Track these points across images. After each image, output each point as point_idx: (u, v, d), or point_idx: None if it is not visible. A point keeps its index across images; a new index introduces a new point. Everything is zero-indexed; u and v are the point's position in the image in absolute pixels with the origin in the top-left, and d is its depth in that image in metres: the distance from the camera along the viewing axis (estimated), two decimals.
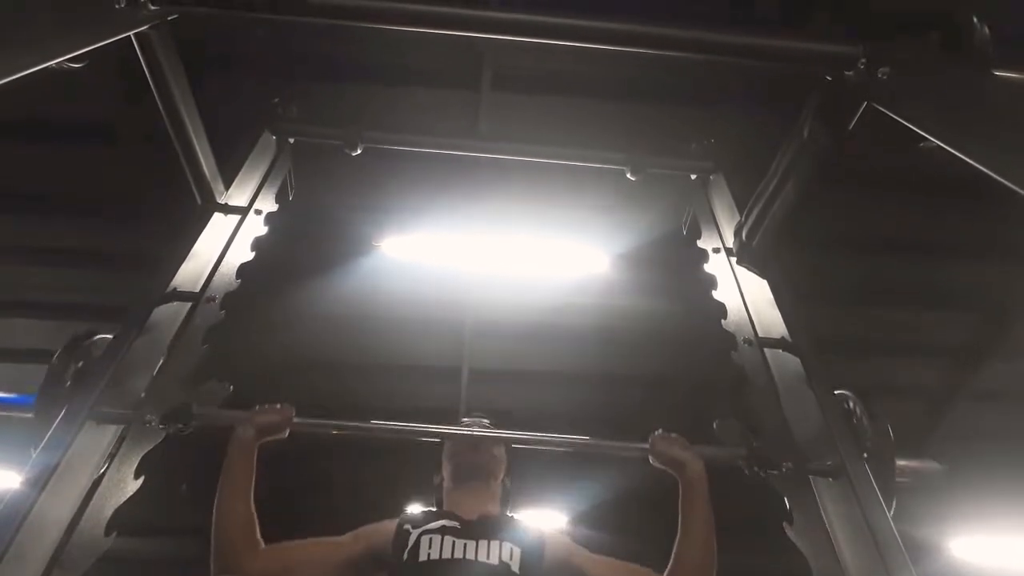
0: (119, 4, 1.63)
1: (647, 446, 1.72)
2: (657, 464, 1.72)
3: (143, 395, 1.68)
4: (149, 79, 1.87)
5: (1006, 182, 1.25)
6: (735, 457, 1.74)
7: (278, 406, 1.71)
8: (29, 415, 1.59)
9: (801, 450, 1.72)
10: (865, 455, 1.65)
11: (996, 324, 4.28)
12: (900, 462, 1.63)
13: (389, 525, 1.66)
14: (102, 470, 1.54)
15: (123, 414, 1.61)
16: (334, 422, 1.79)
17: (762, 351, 1.99)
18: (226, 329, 1.99)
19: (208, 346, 1.91)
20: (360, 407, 4.54)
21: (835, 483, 1.63)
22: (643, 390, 4.62)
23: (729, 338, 2.16)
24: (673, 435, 1.74)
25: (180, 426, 1.66)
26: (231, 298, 2.07)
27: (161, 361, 1.77)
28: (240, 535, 1.57)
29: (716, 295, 2.30)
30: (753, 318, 2.10)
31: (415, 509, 1.77)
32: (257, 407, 1.71)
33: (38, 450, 1.47)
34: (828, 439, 1.69)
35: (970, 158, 1.34)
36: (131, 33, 1.71)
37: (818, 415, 1.76)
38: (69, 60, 1.54)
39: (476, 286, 4.08)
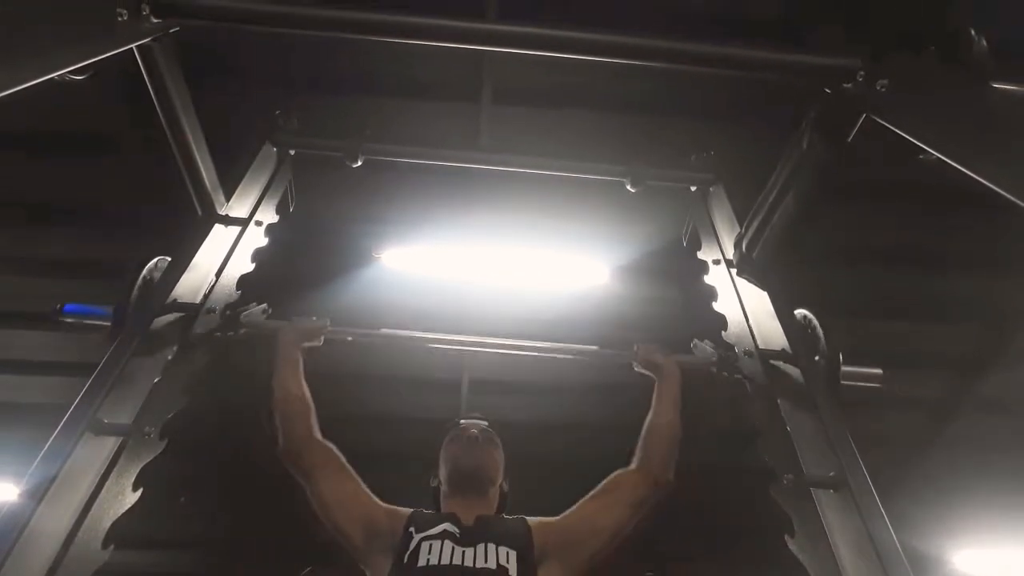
0: (122, 17, 1.64)
1: (632, 352, 2.04)
2: (639, 369, 2.04)
3: (142, 406, 1.68)
4: (151, 91, 1.88)
5: (1004, 193, 1.25)
6: (707, 363, 2.11)
7: (313, 317, 2.02)
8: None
9: (802, 461, 1.72)
10: (817, 358, 1.93)
11: (997, 335, 4.27)
12: (845, 368, 1.88)
13: (400, 519, 1.67)
14: (101, 482, 1.53)
15: (122, 426, 1.61)
16: (360, 330, 2.17)
17: (763, 362, 1.99)
18: (226, 341, 1.99)
19: (208, 357, 1.91)
20: (360, 417, 4.53)
21: (837, 495, 1.62)
22: (644, 401, 4.60)
23: (732, 359, 2.15)
24: (653, 344, 2.06)
25: (230, 333, 1.98)
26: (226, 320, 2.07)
27: (161, 373, 1.77)
28: (302, 415, 1.80)
29: (716, 306, 2.30)
30: (753, 329, 2.10)
31: (419, 510, 1.75)
32: (294, 316, 2.02)
33: (37, 461, 1.46)
34: (829, 450, 1.68)
35: (968, 169, 1.34)
36: (133, 45, 1.72)
37: (819, 426, 1.75)
38: (72, 72, 1.55)
39: (476, 298, 4.08)
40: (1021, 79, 1.47)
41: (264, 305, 2.14)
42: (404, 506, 1.73)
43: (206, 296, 2.01)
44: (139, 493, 1.59)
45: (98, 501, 1.50)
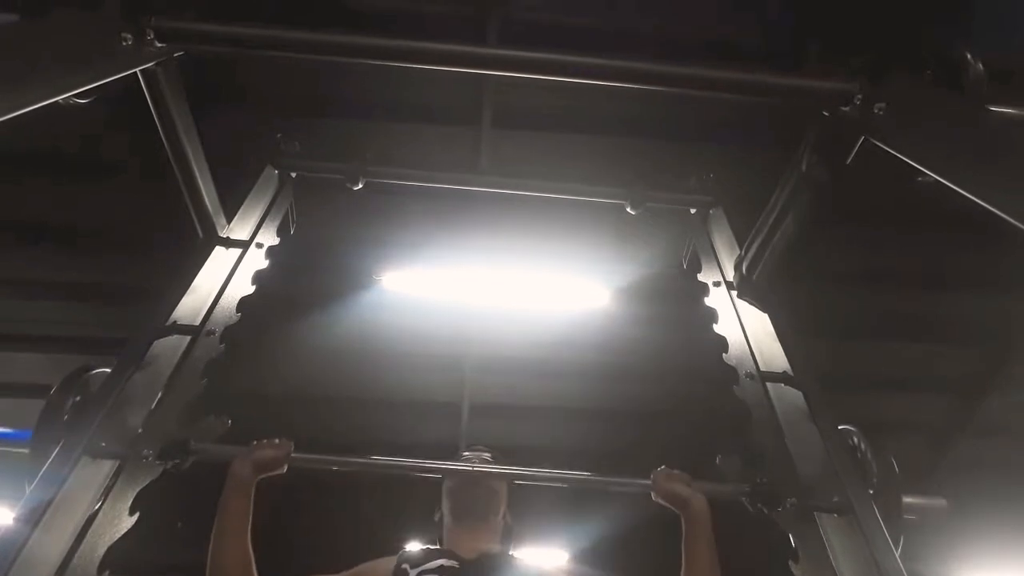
0: (126, 42, 1.66)
1: (649, 482, 1.70)
2: (659, 500, 1.70)
3: (140, 430, 1.67)
4: (154, 114, 1.89)
5: (1003, 215, 1.25)
6: (738, 493, 1.73)
7: (276, 441, 1.69)
8: (25, 450, 1.57)
9: (805, 486, 1.70)
10: (871, 491, 1.63)
11: (998, 358, 4.26)
12: (906, 499, 1.60)
13: (387, 563, 1.63)
14: (97, 506, 1.51)
15: (119, 450, 1.59)
16: (333, 457, 1.76)
17: (764, 385, 1.98)
18: (226, 363, 1.98)
19: (207, 380, 1.90)
20: (360, 441, 4.51)
21: (841, 520, 1.60)
22: (645, 424, 4.58)
23: (731, 372, 2.14)
24: (675, 471, 1.72)
25: (177, 461, 1.65)
26: (231, 331, 2.06)
27: (159, 395, 1.76)
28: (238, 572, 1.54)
29: (717, 329, 2.30)
30: (755, 352, 2.09)
31: (415, 546, 1.74)
32: (255, 442, 1.69)
33: (32, 486, 1.45)
34: (833, 475, 1.67)
35: (967, 191, 1.35)
36: (137, 70, 1.73)
37: (822, 450, 1.74)
38: (76, 96, 1.56)
39: (477, 320, 4.07)
40: (1017, 102, 1.48)
41: (224, 418, 1.79)
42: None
43: (206, 318, 2.01)
44: (135, 518, 1.57)
45: (94, 526, 1.48)
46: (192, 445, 1.67)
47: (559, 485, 1.86)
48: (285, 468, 1.69)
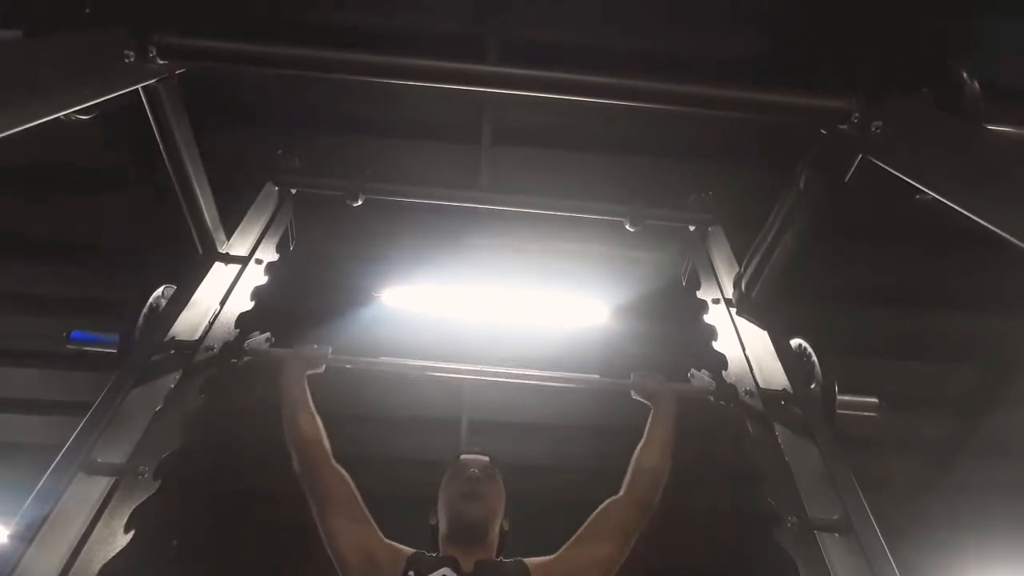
0: (128, 59, 1.68)
1: (628, 381, 2.05)
2: (636, 396, 2.04)
3: (137, 446, 1.66)
4: (155, 130, 1.91)
5: (1001, 232, 1.26)
6: (704, 392, 2.11)
7: (315, 345, 2.07)
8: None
9: (806, 503, 1.69)
10: (813, 386, 1.95)
11: (998, 376, 4.25)
12: (841, 397, 1.89)
13: (401, 558, 1.65)
14: (92, 523, 1.50)
15: (115, 466, 1.59)
16: (362, 358, 2.19)
17: (764, 401, 1.98)
18: (224, 379, 1.98)
19: (205, 395, 1.90)
20: (357, 457, 4.48)
21: (842, 538, 1.59)
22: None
23: (730, 389, 2.14)
24: (652, 372, 2.06)
25: (234, 360, 2.02)
26: (230, 347, 2.06)
27: (157, 411, 1.75)
28: (313, 440, 1.82)
29: (716, 346, 2.30)
30: (754, 368, 2.09)
31: (419, 551, 1.72)
32: (297, 345, 2.06)
33: (29, 501, 1.44)
34: (832, 492, 1.66)
35: (964, 209, 1.36)
36: (139, 86, 1.75)
37: (822, 468, 1.73)
38: (78, 112, 1.57)
39: (476, 337, 4.07)
40: (1014, 121, 1.49)
41: (268, 334, 2.17)
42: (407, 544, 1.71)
43: (205, 334, 2.01)
44: (131, 535, 1.56)
45: (88, 543, 1.47)
46: (247, 347, 2.05)
47: (552, 384, 2.24)
48: (324, 367, 2.07)
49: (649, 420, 1.95)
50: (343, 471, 1.81)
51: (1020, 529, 4.28)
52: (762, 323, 2.16)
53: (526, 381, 2.22)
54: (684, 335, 3.05)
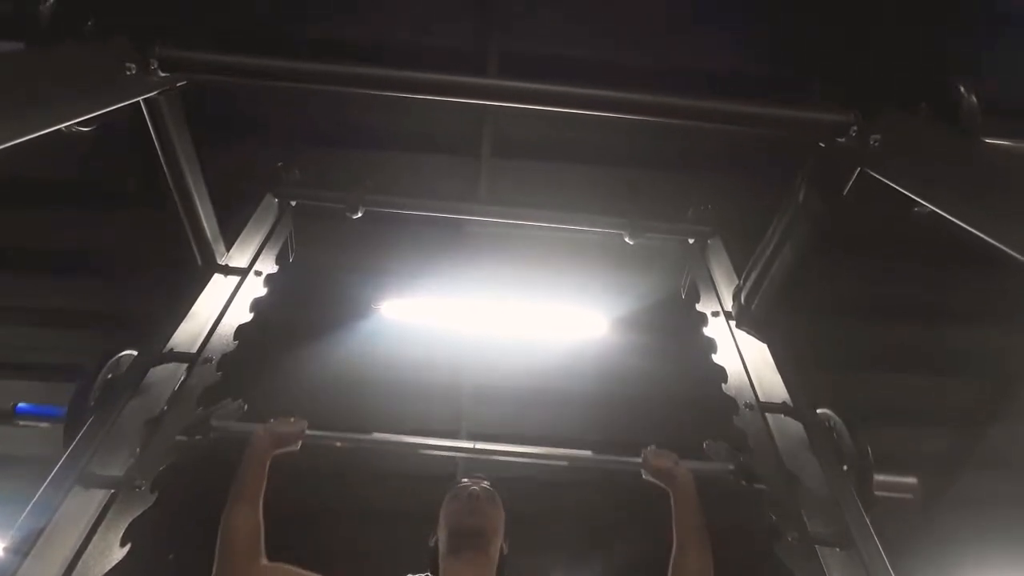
0: (130, 71, 1.68)
1: (639, 460, 1.87)
2: (648, 478, 1.84)
3: (134, 458, 1.65)
4: (156, 143, 1.91)
5: (1000, 245, 1.26)
6: (723, 471, 1.90)
7: (291, 419, 1.83)
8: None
9: (806, 518, 1.68)
10: (845, 467, 1.74)
11: (1000, 390, 4.24)
12: (878, 477, 1.72)
13: None
14: (88, 536, 1.49)
15: (112, 478, 1.57)
16: (343, 434, 1.93)
17: (763, 416, 1.97)
18: (223, 391, 1.97)
19: (203, 408, 1.89)
20: (355, 469, 4.47)
21: (843, 553, 1.58)
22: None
23: (730, 402, 2.13)
24: (664, 450, 1.87)
25: (199, 437, 1.79)
26: (228, 359, 2.05)
27: (155, 423, 1.74)
28: (245, 541, 1.62)
29: (716, 359, 2.29)
30: (754, 382, 2.08)
31: None
32: (272, 419, 1.82)
33: (24, 514, 1.43)
34: (834, 507, 1.65)
35: (963, 222, 1.36)
36: (140, 99, 1.75)
37: (822, 481, 1.72)
38: (79, 124, 1.57)
39: (475, 350, 4.06)
40: (1012, 134, 1.50)
41: (240, 401, 1.95)
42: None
43: (203, 345, 2.00)
44: (127, 549, 1.55)
45: (84, 556, 1.46)
46: (213, 422, 1.81)
47: (556, 463, 2.00)
48: (299, 445, 1.82)
49: (674, 511, 1.76)
50: (281, 565, 1.64)
51: (1020, 542, 4.26)
52: (761, 336, 2.15)
53: (523, 460, 1.99)
54: (683, 348, 3.05)
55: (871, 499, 1.66)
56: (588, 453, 1.95)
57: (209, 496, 1.68)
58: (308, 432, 1.83)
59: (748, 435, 2.01)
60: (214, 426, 1.82)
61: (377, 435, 1.96)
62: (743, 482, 1.85)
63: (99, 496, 1.55)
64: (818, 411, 1.86)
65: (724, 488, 1.85)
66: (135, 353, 1.80)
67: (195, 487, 2.47)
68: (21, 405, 1.80)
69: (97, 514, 1.52)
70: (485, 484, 1.91)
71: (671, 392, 4.11)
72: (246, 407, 1.93)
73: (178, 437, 1.73)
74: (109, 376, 1.74)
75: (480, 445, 1.95)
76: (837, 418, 1.82)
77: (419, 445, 1.95)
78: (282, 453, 1.79)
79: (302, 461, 1.86)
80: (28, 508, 1.43)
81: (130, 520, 1.57)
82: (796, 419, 1.89)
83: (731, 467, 1.89)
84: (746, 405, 2.05)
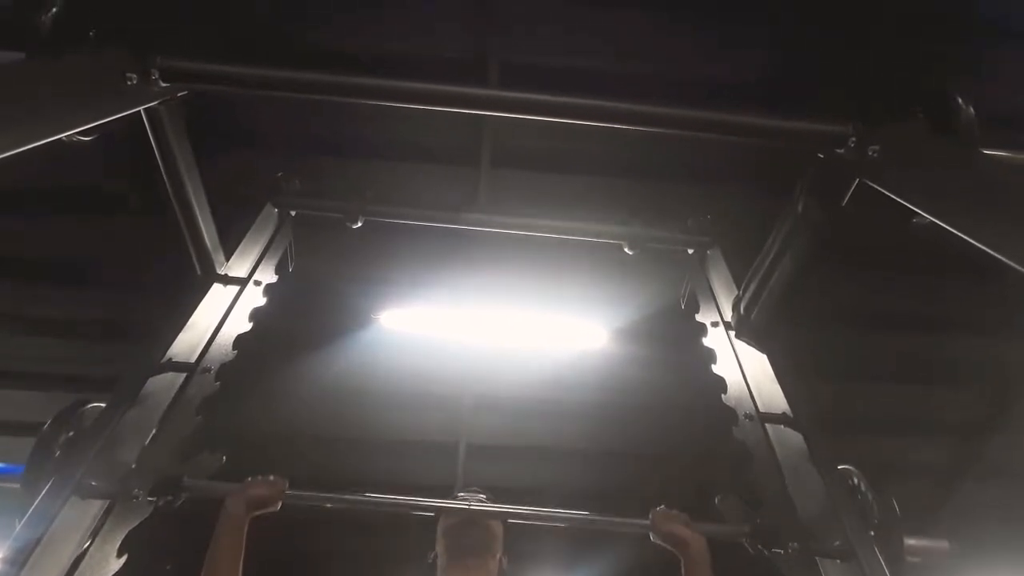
0: (131, 81, 1.69)
1: (648, 522, 1.70)
2: (658, 541, 1.70)
3: (132, 468, 1.64)
4: (156, 152, 1.92)
5: (998, 255, 1.26)
6: (738, 534, 1.74)
7: (271, 478, 1.68)
8: (16, 486, 1.55)
9: (806, 529, 1.67)
10: (872, 533, 1.61)
11: (1000, 400, 4.24)
12: (908, 541, 1.59)
13: None
14: (85, 547, 1.48)
15: (109, 488, 1.57)
16: (328, 495, 1.76)
17: (763, 426, 1.96)
18: (222, 401, 1.97)
19: (201, 417, 1.88)
20: (356, 482, 4.44)
21: (843, 565, 1.57)
22: (643, 465, 4.53)
23: (729, 413, 2.13)
24: (674, 512, 1.72)
25: (169, 498, 1.64)
26: (227, 369, 2.05)
27: (152, 433, 1.74)
28: None
29: (715, 369, 2.29)
30: (753, 393, 2.07)
31: None
32: (249, 479, 1.68)
33: (20, 525, 1.42)
34: (834, 518, 1.64)
35: (961, 232, 1.36)
36: (141, 108, 1.76)
37: (823, 493, 1.71)
38: (80, 133, 1.58)
39: (474, 360, 4.06)
40: (1009, 145, 1.51)
41: (218, 455, 1.79)
42: None
43: (202, 355, 1.99)
44: (124, 559, 1.54)
45: (81, 567, 1.45)
46: (185, 481, 1.66)
47: (556, 524, 1.82)
48: (279, 505, 1.68)
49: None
50: None
51: (1021, 552, 4.24)
52: (761, 346, 2.15)
53: (523, 521, 1.79)
54: (683, 358, 3.05)
55: (902, 565, 1.55)
56: (587, 514, 1.79)
57: (207, 504, 1.67)
58: (288, 492, 1.69)
59: (748, 445, 2.00)
60: (186, 485, 1.67)
61: (368, 495, 1.79)
62: (760, 547, 1.69)
63: (96, 506, 1.54)
64: (840, 467, 1.76)
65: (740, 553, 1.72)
66: (103, 405, 1.69)
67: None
68: None
69: (94, 525, 1.52)
70: (482, 497, 1.90)
71: (671, 402, 4.11)
72: (224, 459, 1.77)
73: (148, 498, 1.60)
74: (71, 433, 1.63)
75: (475, 506, 1.79)
76: (860, 476, 1.73)
77: (411, 505, 1.77)
78: (260, 514, 1.66)
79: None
80: (24, 518, 1.43)
81: (128, 530, 1.56)
82: (796, 430, 1.89)
83: (747, 529, 1.72)
84: (746, 416, 2.05)
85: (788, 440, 1.89)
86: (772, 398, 2.01)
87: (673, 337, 3.53)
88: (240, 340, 2.16)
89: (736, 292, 2.34)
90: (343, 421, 4.37)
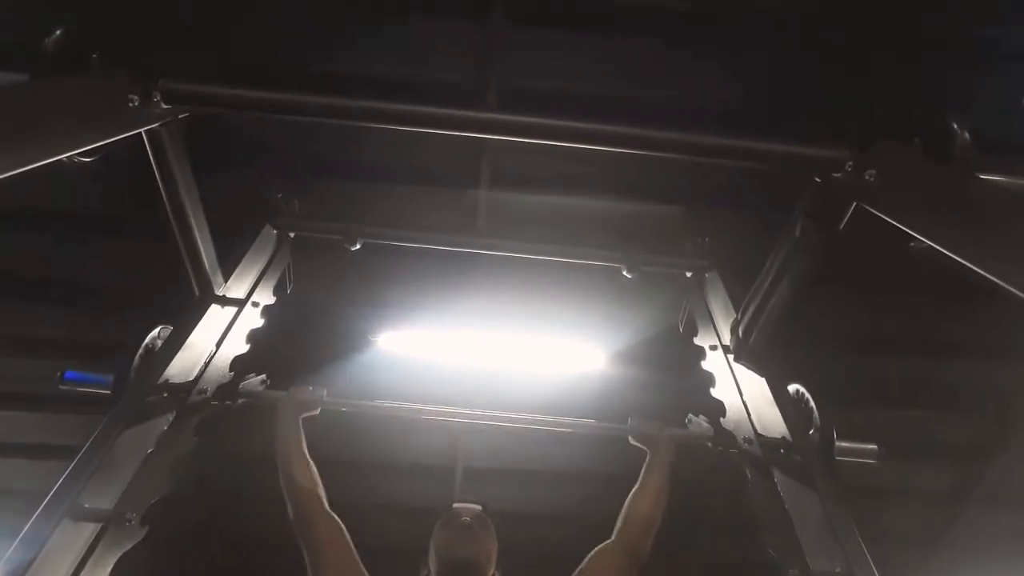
0: (133, 103, 1.70)
1: (626, 425, 2.09)
2: (633, 441, 2.06)
3: (125, 491, 1.63)
4: (156, 173, 1.92)
5: (995, 279, 1.26)
6: (703, 437, 2.13)
7: (310, 388, 2.09)
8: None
9: (807, 555, 1.66)
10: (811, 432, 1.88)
11: (1000, 425, 4.21)
12: (840, 443, 1.85)
13: None
14: (76, 570, 1.46)
15: (102, 512, 1.55)
16: (355, 401, 2.22)
17: (763, 449, 1.95)
18: (223, 408, 1.97)
19: (198, 439, 1.87)
20: (351, 505, 4.40)
21: (786, 458, 1.61)
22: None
23: (728, 436, 2.12)
24: (650, 418, 2.09)
25: (228, 402, 2.02)
26: (224, 390, 2.04)
27: (147, 455, 1.73)
28: (308, 486, 1.82)
29: (714, 392, 2.28)
30: (752, 416, 2.07)
31: None
32: (292, 387, 2.08)
33: (12, 547, 1.41)
34: (834, 542, 1.63)
35: (958, 256, 1.36)
36: (143, 130, 1.77)
37: (823, 517, 1.70)
38: (80, 154, 1.58)
39: (472, 383, 4.03)
40: (1005, 170, 1.52)
41: (263, 376, 2.18)
42: None
43: (199, 376, 1.99)
44: None
45: None
46: (241, 389, 2.06)
47: (550, 428, 2.28)
48: (319, 410, 2.08)
49: (645, 465, 1.96)
50: (338, 520, 1.79)
51: None
52: (760, 370, 2.15)
53: (521, 426, 2.24)
54: (682, 382, 3.04)
55: (832, 463, 1.80)
56: (589, 421, 2.25)
57: (204, 529, 1.65)
58: (326, 399, 2.08)
59: (747, 470, 1.99)
60: (242, 392, 2.05)
61: (380, 402, 2.25)
62: (719, 448, 2.09)
63: (88, 530, 1.52)
64: (789, 387, 2.03)
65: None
66: (171, 327, 2.00)
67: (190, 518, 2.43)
68: (69, 372, 1.92)
69: (86, 548, 1.50)
70: (477, 508, 1.88)
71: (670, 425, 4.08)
72: (269, 381, 2.16)
73: (213, 403, 1.99)
74: (149, 347, 1.93)
75: (480, 411, 2.28)
76: (808, 394, 1.98)
77: (421, 411, 2.26)
78: (306, 417, 2.02)
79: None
80: (16, 541, 1.41)
81: (119, 554, 1.55)
82: (795, 453, 1.88)
83: (710, 433, 2.12)
84: (745, 440, 2.04)
85: (787, 464, 1.88)
86: (771, 421, 2.01)
87: (672, 361, 3.52)
88: (237, 361, 2.16)
89: (735, 315, 2.34)
90: (338, 443, 4.32)
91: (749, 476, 1.96)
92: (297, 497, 1.80)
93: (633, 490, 1.91)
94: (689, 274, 2.69)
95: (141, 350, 1.91)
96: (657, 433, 2.04)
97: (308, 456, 1.91)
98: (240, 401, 2.04)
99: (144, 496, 1.64)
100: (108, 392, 1.82)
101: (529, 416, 2.17)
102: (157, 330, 1.99)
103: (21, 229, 3.18)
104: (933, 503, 4.58)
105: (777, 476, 1.87)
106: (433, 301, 3.63)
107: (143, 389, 1.83)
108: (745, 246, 2.44)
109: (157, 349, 1.95)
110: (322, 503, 1.81)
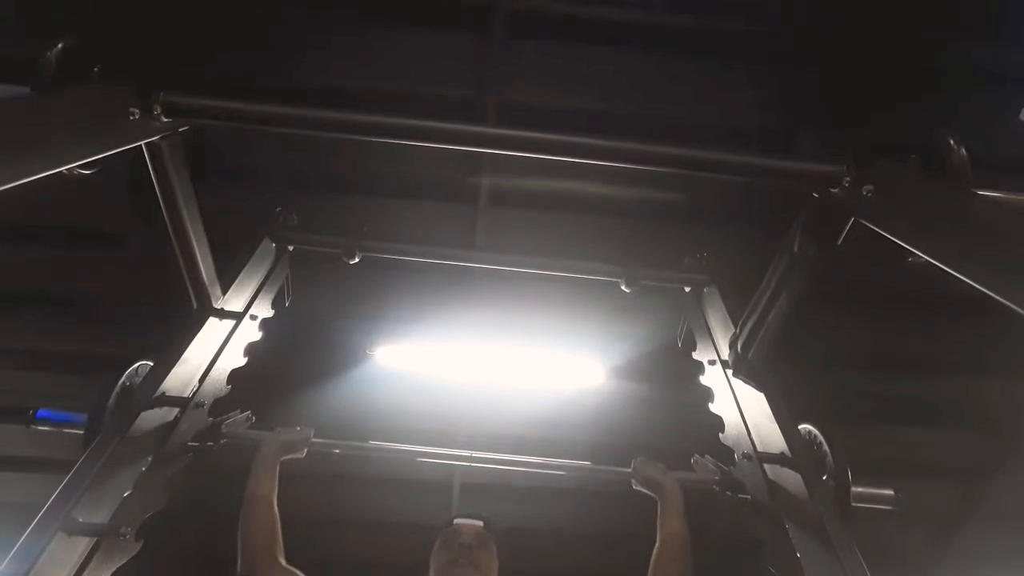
0: (133, 116, 1.70)
1: (629, 471, 1.99)
2: (638, 487, 1.97)
3: (120, 505, 1.61)
4: (156, 186, 1.92)
5: (994, 295, 1.26)
6: (709, 482, 2.03)
7: (298, 428, 1.96)
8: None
9: (806, 571, 1.64)
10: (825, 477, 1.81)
11: (1001, 443, 4.20)
12: (856, 488, 1.78)
13: None
14: None
15: (96, 526, 1.54)
16: (345, 442, 2.09)
17: (761, 466, 1.94)
18: (204, 449, 1.95)
19: (193, 453, 1.86)
20: (348, 518, 4.38)
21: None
22: (641, 506, 4.46)
23: (727, 452, 2.11)
24: (653, 460, 2.00)
25: (211, 443, 1.91)
26: (221, 403, 2.04)
27: (143, 469, 1.71)
28: (264, 537, 1.69)
29: (713, 408, 2.27)
30: (751, 431, 2.06)
31: None
32: (278, 428, 1.95)
33: (5, 562, 1.39)
34: (836, 562, 1.61)
35: (956, 272, 1.36)
36: (143, 143, 1.77)
37: (825, 539, 1.68)
38: (80, 167, 1.59)
39: (470, 398, 4.02)
40: (1001, 186, 1.52)
41: (248, 413, 2.08)
42: None
43: (195, 390, 1.98)
44: None
45: None
46: (224, 429, 1.94)
47: (549, 472, 2.17)
48: (305, 452, 1.94)
49: (659, 516, 1.86)
50: (295, 571, 1.69)
51: None
52: (759, 385, 2.14)
53: (520, 469, 2.17)
54: (680, 396, 3.03)
55: (848, 511, 1.73)
56: (586, 464, 2.13)
57: (200, 545, 1.64)
58: (314, 440, 1.95)
59: (746, 486, 1.98)
60: (224, 433, 1.93)
61: (373, 443, 2.12)
62: (728, 493, 1.98)
63: (83, 544, 1.51)
64: (800, 427, 1.95)
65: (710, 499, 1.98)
66: (151, 364, 1.91)
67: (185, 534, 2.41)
68: (42, 411, 1.91)
69: (80, 562, 1.48)
70: (478, 524, 1.86)
71: (668, 441, 4.06)
72: (254, 419, 2.05)
73: (190, 443, 1.86)
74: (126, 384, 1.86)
75: (478, 454, 2.16)
76: (820, 435, 1.92)
77: (417, 453, 2.14)
78: (289, 459, 1.89)
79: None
80: (10, 555, 1.40)
81: (114, 569, 1.53)
82: (794, 470, 1.86)
83: (716, 477, 2.02)
84: (744, 455, 2.03)
85: (786, 480, 1.87)
86: (770, 437, 1.99)
87: (670, 375, 3.52)
88: (234, 375, 2.15)
89: (733, 330, 2.33)
90: (336, 457, 4.30)
91: (748, 492, 1.95)
92: (249, 543, 1.69)
93: (656, 549, 1.79)
94: (687, 289, 2.69)
95: (118, 388, 1.83)
96: (662, 478, 1.93)
97: (275, 504, 1.77)
98: (223, 441, 1.94)
99: (139, 510, 1.63)
100: (81, 432, 1.75)
101: (528, 459, 2.13)
102: (136, 366, 1.90)
103: (20, 242, 3.19)
104: (933, 521, 4.55)
105: (777, 493, 1.86)
106: (431, 315, 3.62)
107: (139, 402, 1.81)
108: (744, 260, 2.44)
109: (138, 383, 1.87)
110: (277, 559, 1.69)
